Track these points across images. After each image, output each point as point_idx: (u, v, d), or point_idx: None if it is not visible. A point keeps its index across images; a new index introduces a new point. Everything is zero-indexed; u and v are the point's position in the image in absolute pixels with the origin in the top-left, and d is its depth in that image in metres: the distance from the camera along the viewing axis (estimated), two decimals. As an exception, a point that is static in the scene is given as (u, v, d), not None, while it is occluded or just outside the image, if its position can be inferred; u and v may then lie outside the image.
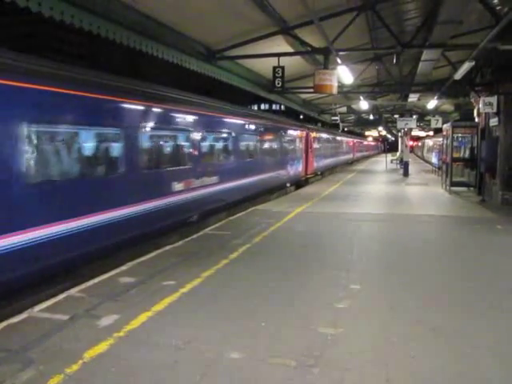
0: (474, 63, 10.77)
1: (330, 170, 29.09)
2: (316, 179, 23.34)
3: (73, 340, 4.00)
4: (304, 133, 20.74)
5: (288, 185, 17.69)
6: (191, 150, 9.30)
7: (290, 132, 18.40)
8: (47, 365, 3.55)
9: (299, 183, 19.61)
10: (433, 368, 3.58)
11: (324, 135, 27.18)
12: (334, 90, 10.28)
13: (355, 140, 45.83)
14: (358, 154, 48.84)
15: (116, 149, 6.89)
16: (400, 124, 23.19)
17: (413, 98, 18.66)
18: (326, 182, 21.86)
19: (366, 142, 58.31)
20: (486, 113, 14.24)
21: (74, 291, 5.30)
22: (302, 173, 20.24)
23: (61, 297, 5.11)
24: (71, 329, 4.26)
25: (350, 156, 40.84)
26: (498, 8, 9.14)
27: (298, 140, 19.48)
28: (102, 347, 3.85)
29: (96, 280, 5.73)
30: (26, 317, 4.53)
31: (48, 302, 4.92)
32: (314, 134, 22.74)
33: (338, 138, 33.75)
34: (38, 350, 3.81)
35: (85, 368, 3.53)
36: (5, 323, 4.36)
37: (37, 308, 4.75)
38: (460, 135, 16.44)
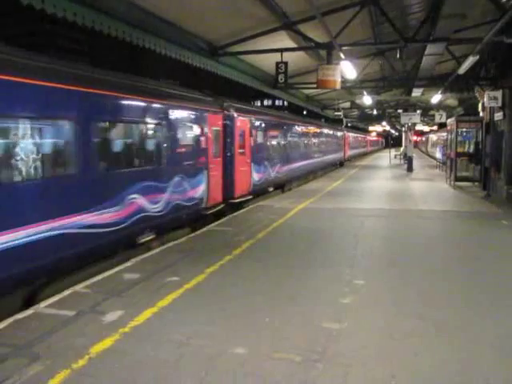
0: (478, 57, 10.69)
1: (303, 178, 19.70)
2: (269, 197, 14.02)
3: (78, 336, 4.03)
4: (216, 118, 10.44)
5: (144, 238, 7.34)
6: None
7: (162, 114, 8.05)
8: (54, 360, 3.58)
9: (205, 217, 9.70)
10: (436, 364, 3.59)
11: (280, 123, 16.39)
12: (338, 85, 10.24)
13: (348, 134, 35.60)
14: (354, 152, 39.45)
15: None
16: (404, 119, 23.11)
17: (416, 92, 18.56)
18: (328, 178, 21.81)
19: (364, 137, 49.22)
20: (490, 107, 14.16)
21: (79, 287, 5.34)
22: (214, 196, 10.01)
23: (66, 293, 5.14)
24: (77, 324, 4.29)
25: (338, 155, 30.30)
26: (502, 0, 9.05)
27: (191, 132, 9.21)
28: (108, 343, 3.88)
29: (101, 276, 5.76)
30: (32, 313, 4.56)
31: (54, 298, 4.96)
32: (249, 122, 12.33)
33: (315, 129, 23.11)
34: (44, 345, 3.85)
35: (91, 363, 3.56)
36: (11, 319, 4.40)
37: (43, 304, 4.80)
38: (464, 130, 16.37)
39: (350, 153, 36.41)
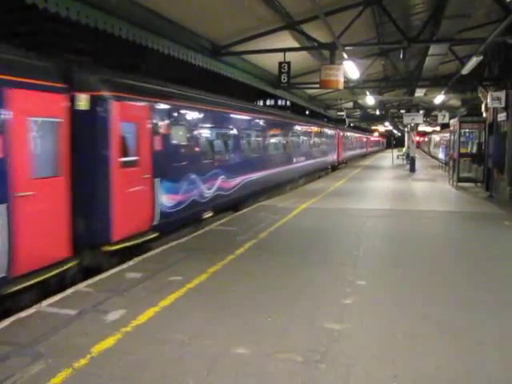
0: (481, 58, 10.65)
1: (276, 190, 14.60)
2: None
3: (81, 335, 4.03)
4: (47, 99, 5.26)
5: None
6: None
7: None
8: (56, 359, 3.59)
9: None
10: (439, 364, 3.57)
11: (225, 113, 10.98)
12: (341, 86, 10.22)
13: (342, 133, 30.61)
14: (350, 153, 35.14)
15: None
16: (406, 119, 23.05)
17: (419, 93, 18.51)
18: (331, 178, 21.78)
19: (363, 136, 46.07)
20: (493, 108, 14.11)
21: (81, 286, 5.35)
22: (39, 253, 5.15)
23: (68, 292, 5.15)
24: (79, 323, 4.29)
25: (329, 158, 25.72)
26: (507, 0, 9.02)
27: None
28: (110, 342, 3.88)
29: (103, 275, 5.76)
30: (34, 311, 4.57)
31: (56, 297, 4.96)
32: (154, 110, 7.31)
33: (291, 125, 17.87)
34: (46, 344, 3.85)
35: (93, 362, 3.56)
36: (14, 318, 4.40)
37: (45, 303, 4.80)
38: (467, 130, 16.32)
39: (344, 154, 31.30)
